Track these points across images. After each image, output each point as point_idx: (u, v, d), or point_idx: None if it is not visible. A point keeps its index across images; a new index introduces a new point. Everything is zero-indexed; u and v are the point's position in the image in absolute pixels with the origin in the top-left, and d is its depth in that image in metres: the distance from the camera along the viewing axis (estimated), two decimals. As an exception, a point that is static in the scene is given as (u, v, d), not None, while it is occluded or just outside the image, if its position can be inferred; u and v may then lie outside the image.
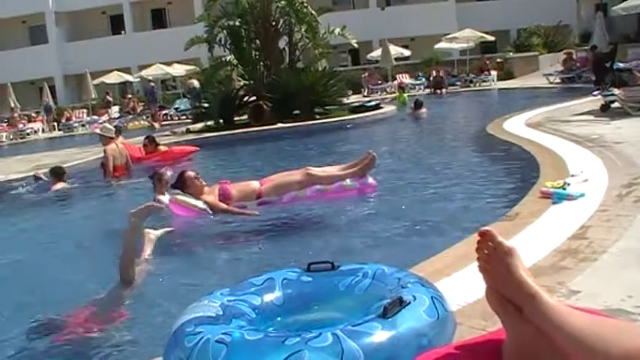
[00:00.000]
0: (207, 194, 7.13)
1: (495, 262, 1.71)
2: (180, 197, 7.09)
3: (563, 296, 3.31)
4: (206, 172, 11.12)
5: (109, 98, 34.77)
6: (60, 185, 11.08)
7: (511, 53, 36.19)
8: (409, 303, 2.60)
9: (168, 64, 36.70)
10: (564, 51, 29.34)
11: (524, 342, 1.65)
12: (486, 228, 1.75)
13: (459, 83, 31.72)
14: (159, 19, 47.75)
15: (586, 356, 1.48)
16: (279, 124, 17.59)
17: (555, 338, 1.56)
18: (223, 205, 7.03)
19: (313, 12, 19.67)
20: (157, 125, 26.86)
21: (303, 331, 2.58)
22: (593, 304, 3.15)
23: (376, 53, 35.90)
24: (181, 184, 7.19)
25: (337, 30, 20.53)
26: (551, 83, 26.26)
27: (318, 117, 18.84)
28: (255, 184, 7.37)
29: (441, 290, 2.98)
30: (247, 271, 4.66)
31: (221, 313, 2.89)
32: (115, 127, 13.47)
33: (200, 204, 7.01)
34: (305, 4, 19.46)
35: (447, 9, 42.55)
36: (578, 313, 1.61)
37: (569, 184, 5.85)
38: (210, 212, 6.99)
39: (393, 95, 26.47)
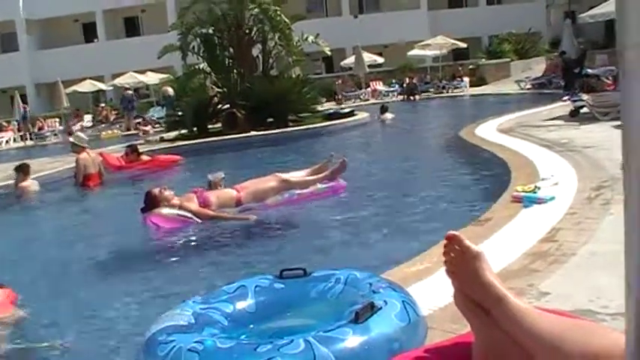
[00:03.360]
0: (186, 202, 7.07)
1: (463, 265, 1.73)
2: (165, 211, 7.00)
3: (534, 298, 3.35)
4: (180, 181, 11.11)
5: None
6: (28, 182, 11.05)
7: (483, 60, 36.58)
8: (381, 308, 2.62)
9: (142, 72, 36.53)
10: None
11: (492, 344, 1.67)
12: (453, 232, 1.77)
13: (432, 89, 31.95)
14: (132, 27, 47.53)
15: (553, 358, 1.50)
16: (253, 132, 17.57)
17: (523, 340, 1.58)
18: (211, 212, 6.96)
19: (287, 20, 19.65)
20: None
21: (276, 338, 2.59)
22: (563, 306, 3.18)
23: (350, 60, 36.00)
24: (153, 202, 7.08)
25: (311, 38, 20.56)
26: (522, 89, 26.55)
27: (291, 124, 18.85)
28: (232, 192, 7.35)
29: (413, 295, 3.00)
30: (220, 278, 4.65)
31: (193, 321, 2.90)
32: None
33: (186, 213, 6.96)
34: (279, 12, 19.44)
35: (419, 16, 42.87)
36: (546, 315, 1.63)
37: (539, 188, 5.91)
38: (199, 220, 6.93)
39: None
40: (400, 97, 30.86)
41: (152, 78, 36.26)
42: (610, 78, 16.42)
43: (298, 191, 7.44)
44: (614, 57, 22.86)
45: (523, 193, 5.74)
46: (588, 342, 1.46)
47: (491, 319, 1.66)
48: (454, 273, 1.76)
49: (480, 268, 1.71)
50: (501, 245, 4.43)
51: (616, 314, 3.10)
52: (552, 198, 5.59)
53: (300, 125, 18.73)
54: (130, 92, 31.67)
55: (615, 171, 6.72)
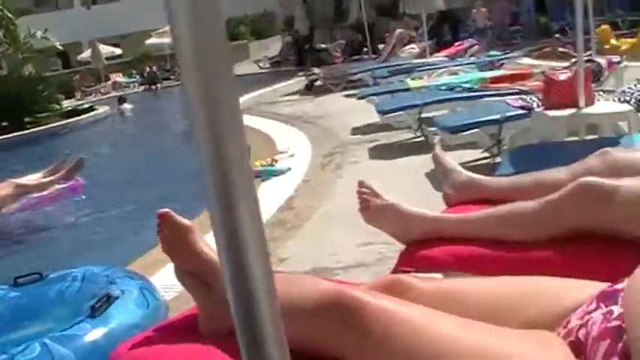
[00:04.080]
0: None
1: (177, 240, 1.77)
2: None
3: (274, 264, 3.51)
4: None
5: None
6: None
7: (221, 42, 36.99)
8: (117, 297, 2.62)
9: None
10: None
11: (213, 314, 1.73)
12: (165, 209, 1.81)
13: (172, 77, 31.71)
14: None
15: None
16: (-14, 139, 16.37)
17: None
18: None
19: (10, 15, 18.46)
20: None
21: (13, 347, 2.50)
22: (303, 267, 3.39)
23: (86, 54, 34.62)
24: None
25: (39, 33, 19.51)
26: (261, 69, 27.29)
27: (28, 126, 17.80)
28: (-38, 204, 6.88)
29: (160, 281, 3.03)
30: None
31: None
32: None
33: None
34: (0, 7, 18.21)
35: (154, 3, 42.16)
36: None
37: (277, 161, 6.18)
38: None
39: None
40: (142, 88, 30.31)
41: None
42: (338, 51, 17.43)
43: (36, 195, 7.12)
44: (344, 31, 24.27)
45: (261, 168, 5.97)
46: (302, 295, 1.56)
47: (211, 290, 1.72)
48: (169, 250, 1.80)
49: (193, 241, 1.76)
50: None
51: (347, 267, 3.37)
52: (289, 169, 5.88)
53: (38, 126, 17.74)
54: None
55: (346, 137, 7.20)
